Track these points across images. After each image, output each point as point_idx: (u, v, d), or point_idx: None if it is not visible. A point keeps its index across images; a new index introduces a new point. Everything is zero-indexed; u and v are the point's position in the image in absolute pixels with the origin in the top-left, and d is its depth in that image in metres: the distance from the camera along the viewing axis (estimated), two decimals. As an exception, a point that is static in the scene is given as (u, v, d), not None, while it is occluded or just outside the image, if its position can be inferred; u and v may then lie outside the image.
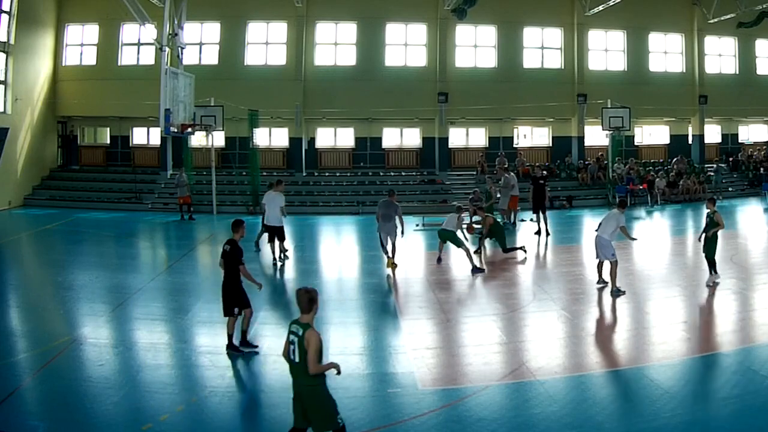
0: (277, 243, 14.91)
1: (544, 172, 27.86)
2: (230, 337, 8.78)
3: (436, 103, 28.64)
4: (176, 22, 23.43)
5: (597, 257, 12.09)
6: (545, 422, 6.64)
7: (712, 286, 11.90)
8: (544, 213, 19.25)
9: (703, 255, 12.23)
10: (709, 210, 12.30)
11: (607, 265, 11.91)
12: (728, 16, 28.47)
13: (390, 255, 14.09)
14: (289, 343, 5.39)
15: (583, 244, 19.32)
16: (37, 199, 26.67)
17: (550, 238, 18.74)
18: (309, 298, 5.38)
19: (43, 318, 10.71)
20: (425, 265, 15.46)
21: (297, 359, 5.32)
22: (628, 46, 30.57)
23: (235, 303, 8.75)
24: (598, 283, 12.23)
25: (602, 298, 11.63)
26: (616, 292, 11.54)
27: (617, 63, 30.70)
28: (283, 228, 14.96)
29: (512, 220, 21.27)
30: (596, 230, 12.15)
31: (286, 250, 15.39)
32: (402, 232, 14.05)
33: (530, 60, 29.89)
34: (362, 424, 6.64)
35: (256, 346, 8.85)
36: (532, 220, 20.65)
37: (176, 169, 25.76)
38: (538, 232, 19.08)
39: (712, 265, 12.10)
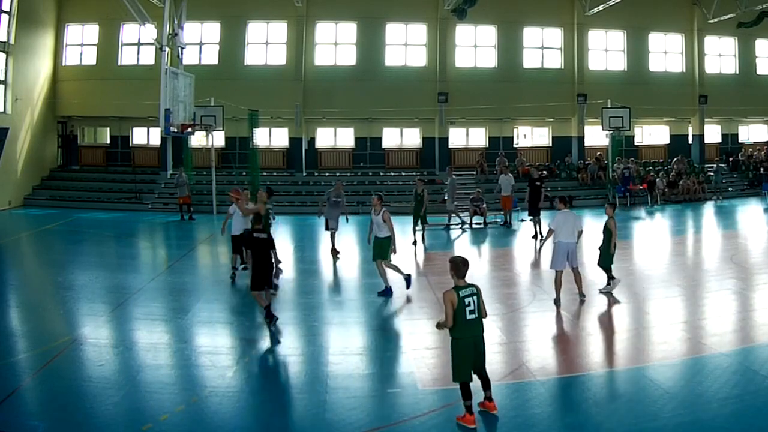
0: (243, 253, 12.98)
1: (544, 172, 27.97)
2: (268, 307, 9.91)
3: (436, 103, 28.64)
4: (176, 22, 23.44)
5: (559, 267, 10.88)
6: (545, 422, 6.64)
7: (607, 294, 11.47)
8: (538, 215, 18.48)
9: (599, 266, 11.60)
10: (608, 215, 11.66)
11: (567, 273, 11.01)
12: (728, 16, 28.48)
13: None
14: (465, 306, 6.41)
15: (582, 243, 19.31)
16: (37, 199, 26.67)
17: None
18: (468, 266, 6.63)
19: (43, 318, 10.71)
20: (425, 265, 15.47)
21: (477, 314, 6.47)
22: (628, 46, 30.58)
23: (269, 280, 10.01)
24: (557, 301, 10.94)
25: (602, 299, 11.62)
26: (583, 297, 11.03)
27: (617, 63, 30.71)
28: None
29: (508, 220, 21.29)
30: (561, 238, 10.86)
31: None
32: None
33: (530, 60, 29.90)
34: (362, 424, 6.64)
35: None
36: (524, 220, 20.54)
37: (176, 169, 25.76)
38: (535, 236, 18.49)
39: (608, 272, 11.59)
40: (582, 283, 11.17)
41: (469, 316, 6.43)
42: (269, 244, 10.01)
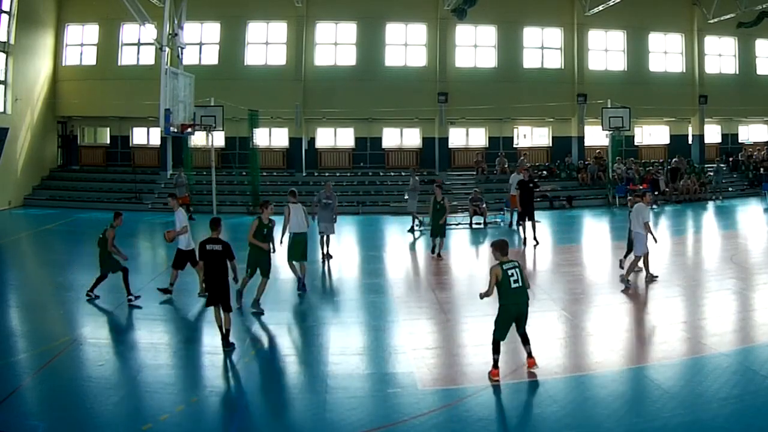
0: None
1: (544, 172, 27.98)
2: (228, 331, 8.95)
3: (436, 103, 28.62)
4: (176, 22, 23.41)
5: (635, 252, 12.34)
6: (545, 422, 6.64)
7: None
8: (532, 219, 17.43)
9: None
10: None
11: (630, 256, 12.59)
12: (728, 16, 28.45)
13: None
14: (509, 277, 7.58)
15: (582, 243, 19.32)
16: (37, 199, 26.65)
17: (549, 238, 18.66)
18: (508, 245, 7.88)
19: (43, 318, 10.72)
20: (425, 265, 15.46)
21: (521, 283, 7.63)
22: (628, 46, 30.55)
23: (224, 298, 8.96)
24: (651, 276, 12.45)
25: (602, 298, 11.63)
26: (628, 282, 12.05)
27: (617, 63, 30.67)
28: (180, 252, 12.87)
29: (510, 221, 21.27)
30: (633, 227, 12.38)
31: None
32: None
33: (530, 60, 29.86)
34: (362, 424, 6.65)
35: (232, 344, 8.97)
36: (519, 223, 18.29)
37: (176, 169, 25.76)
38: (524, 242, 17.20)
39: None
40: (630, 265, 12.51)
41: (513, 285, 7.57)
42: (226, 255, 9.02)
